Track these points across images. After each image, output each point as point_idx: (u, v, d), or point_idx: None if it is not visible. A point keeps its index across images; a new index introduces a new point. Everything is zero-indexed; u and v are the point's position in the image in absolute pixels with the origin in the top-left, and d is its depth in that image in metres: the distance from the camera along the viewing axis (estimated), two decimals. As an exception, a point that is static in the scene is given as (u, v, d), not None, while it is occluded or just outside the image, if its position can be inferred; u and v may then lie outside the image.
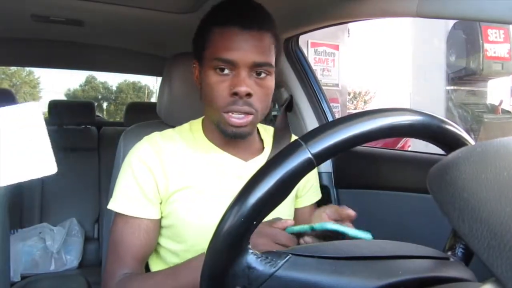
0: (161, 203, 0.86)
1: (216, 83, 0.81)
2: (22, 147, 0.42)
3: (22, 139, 0.43)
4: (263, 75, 0.82)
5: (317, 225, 0.67)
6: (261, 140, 0.98)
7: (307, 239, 0.70)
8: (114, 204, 0.85)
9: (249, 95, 0.80)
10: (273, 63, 0.83)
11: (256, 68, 0.81)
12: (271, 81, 0.84)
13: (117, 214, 0.85)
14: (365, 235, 0.63)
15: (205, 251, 0.43)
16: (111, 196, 0.87)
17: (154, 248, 0.88)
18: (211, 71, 0.82)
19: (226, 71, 0.80)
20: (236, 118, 0.81)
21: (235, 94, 0.79)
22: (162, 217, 0.87)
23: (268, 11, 0.86)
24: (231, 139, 0.85)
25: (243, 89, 0.78)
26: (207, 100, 0.85)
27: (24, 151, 0.42)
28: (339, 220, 0.75)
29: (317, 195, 1.05)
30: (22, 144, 0.42)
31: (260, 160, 0.92)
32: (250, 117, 0.82)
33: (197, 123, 0.94)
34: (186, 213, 0.84)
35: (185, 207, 0.84)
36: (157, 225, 0.86)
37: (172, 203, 0.85)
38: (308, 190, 1.02)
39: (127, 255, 0.82)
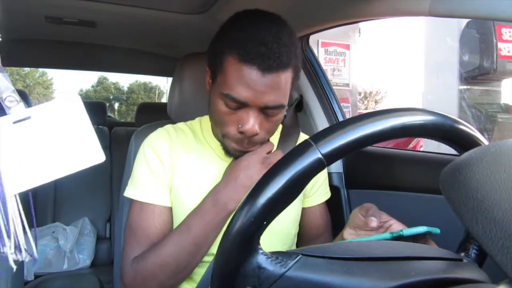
0: (170, 192, 0.88)
1: (223, 114, 0.79)
2: (68, 139, 0.43)
3: (67, 131, 0.43)
4: (276, 113, 0.80)
5: (406, 230, 0.68)
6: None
7: None
8: (130, 191, 0.88)
9: (256, 134, 0.79)
10: (286, 102, 0.80)
11: (267, 110, 0.78)
12: (280, 115, 0.82)
13: (132, 201, 0.87)
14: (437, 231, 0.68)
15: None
16: (123, 195, 0.90)
17: None
18: (220, 99, 0.79)
19: (235, 107, 0.78)
20: (238, 151, 0.84)
21: (242, 132, 0.78)
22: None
23: (281, 14, 0.82)
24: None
25: (250, 130, 0.77)
26: (212, 119, 0.86)
27: (70, 143, 0.43)
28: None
29: (326, 195, 1.05)
30: (68, 136, 0.43)
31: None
32: (254, 147, 0.84)
33: (206, 120, 0.96)
34: (191, 209, 0.85)
35: (190, 202, 0.86)
36: (171, 213, 0.88)
37: (178, 198, 0.87)
38: (317, 189, 1.02)
39: (143, 239, 0.84)
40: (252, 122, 0.77)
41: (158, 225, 0.85)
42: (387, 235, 0.70)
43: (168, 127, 0.94)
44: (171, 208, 0.88)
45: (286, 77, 0.77)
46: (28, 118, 0.42)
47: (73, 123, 0.43)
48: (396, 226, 0.73)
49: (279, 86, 0.76)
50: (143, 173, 0.87)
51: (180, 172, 0.88)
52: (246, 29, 0.77)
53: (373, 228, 0.73)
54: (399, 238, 0.69)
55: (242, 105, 0.77)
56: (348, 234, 0.79)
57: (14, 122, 0.42)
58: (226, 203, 0.80)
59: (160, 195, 0.86)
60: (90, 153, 0.43)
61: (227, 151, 0.85)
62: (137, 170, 0.89)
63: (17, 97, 0.42)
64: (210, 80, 0.85)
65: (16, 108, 0.42)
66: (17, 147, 0.41)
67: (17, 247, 0.40)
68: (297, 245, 1.02)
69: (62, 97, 0.44)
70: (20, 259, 0.40)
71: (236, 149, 0.83)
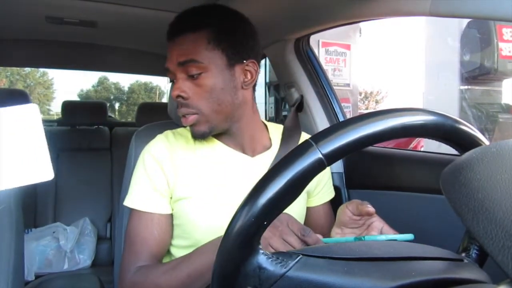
0: (171, 198, 0.88)
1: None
2: (19, 151, 0.41)
3: (19, 142, 0.41)
4: (195, 71, 0.83)
5: (368, 237, 0.69)
6: (270, 138, 0.99)
7: None
8: (128, 200, 0.87)
9: (181, 97, 0.84)
10: (201, 59, 0.83)
11: (184, 68, 0.83)
12: (208, 79, 0.84)
13: (132, 210, 0.87)
14: (410, 237, 0.66)
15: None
16: (123, 195, 0.89)
17: (169, 244, 0.90)
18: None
19: (172, 81, 0.88)
20: (183, 119, 0.86)
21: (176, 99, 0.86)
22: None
23: (281, 14, 0.85)
24: (196, 139, 0.90)
25: (174, 93, 0.84)
26: None
27: (21, 155, 0.40)
28: (359, 216, 0.75)
29: (330, 194, 1.05)
30: (19, 148, 0.41)
31: (267, 156, 0.94)
32: (193, 117, 0.85)
33: None
34: (194, 212, 0.85)
35: (193, 206, 0.86)
36: (170, 220, 0.88)
37: (181, 200, 0.86)
38: (321, 189, 1.02)
39: (142, 249, 0.83)
40: (175, 87, 0.84)
41: (156, 233, 0.85)
42: (351, 238, 0.72)
43: (168, 132, 0.94)
44: (170, 215, 0.88)
45: (195, 37, 0.83)
46: None
47: (27, 135, 0.41)
48: (377, 224, 0.73)
49: (184, 45, 0.83)
50: (141, 181, 0.87)
51: (182, 177, 0.87)
52: None
53: (369, 214, 0.72)
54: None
55: (171, 74, 0.87)
56: (335, 233, 0.78)
57: None
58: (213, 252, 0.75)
59: (159, 202, 0.86)
60: (39, 168, 0.41)
61: (191, 134, 0.89)
62: (135, 178, 0.89)
63: None
64: None
65: None
66: None
67: None
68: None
69: (20, 107, 0.41)
70: None
71: (182, 119, 0.87)
